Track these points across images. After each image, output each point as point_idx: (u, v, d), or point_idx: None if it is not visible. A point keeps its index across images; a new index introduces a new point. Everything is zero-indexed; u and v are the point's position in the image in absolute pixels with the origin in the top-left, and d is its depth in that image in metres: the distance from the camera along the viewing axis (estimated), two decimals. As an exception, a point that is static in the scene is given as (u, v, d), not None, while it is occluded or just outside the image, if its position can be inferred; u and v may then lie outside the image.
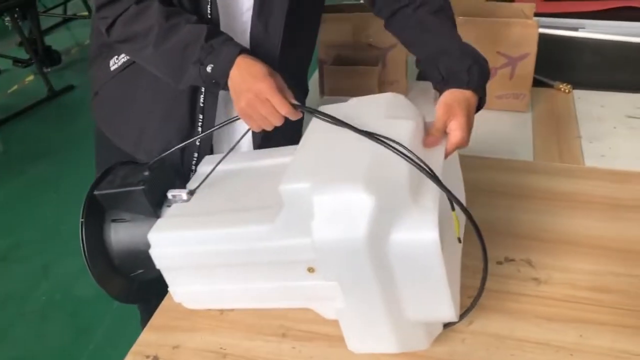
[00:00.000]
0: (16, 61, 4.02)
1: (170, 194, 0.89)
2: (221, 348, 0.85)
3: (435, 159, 0.78)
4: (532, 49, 1.29)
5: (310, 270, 0.76)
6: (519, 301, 0.88)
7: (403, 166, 0.71)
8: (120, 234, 0.90)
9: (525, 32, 1.28)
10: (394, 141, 0.72)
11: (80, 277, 2.19)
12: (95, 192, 0.91)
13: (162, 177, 0.91)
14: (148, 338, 0.88)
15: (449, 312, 0.72)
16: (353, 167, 0.71)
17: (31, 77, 3.97)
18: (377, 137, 0.73)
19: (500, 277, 0.92)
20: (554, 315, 0.85)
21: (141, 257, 0.86)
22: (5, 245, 2.42)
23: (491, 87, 1.37)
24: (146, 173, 0.89)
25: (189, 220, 0.85)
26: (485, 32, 1.30)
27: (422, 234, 0.66)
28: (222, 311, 0.91)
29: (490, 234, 1.00)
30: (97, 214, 0.91)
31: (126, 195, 0.88)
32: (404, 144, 0.73)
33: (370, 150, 0.73)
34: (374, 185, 0.68)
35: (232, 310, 0.91)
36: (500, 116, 1.36)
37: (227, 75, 0.91)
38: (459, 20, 1.31)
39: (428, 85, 1.49)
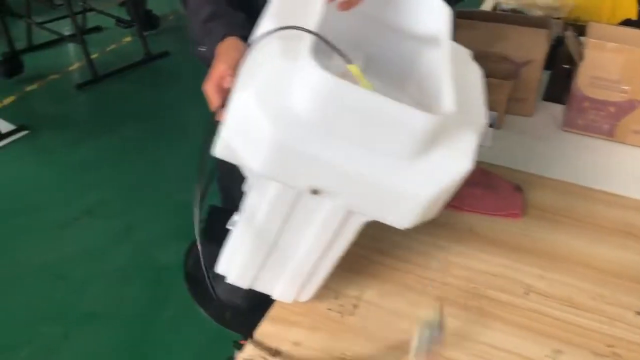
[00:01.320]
0: (119, 21, 4.12)
1: (228, 225, 0.89)
2: (342, 354, 0.83)
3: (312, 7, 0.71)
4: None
5: (314, 192, 0.68)
6: (660, 358, 0.83)
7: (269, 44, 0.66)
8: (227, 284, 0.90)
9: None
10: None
11: (161, 243, 2.23)
12: (187, 270, 0.98)
13: (220, 217, 0.91)
14: (268, 330, 0.87)
15: (418, 117, 0.60)
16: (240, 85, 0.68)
17: (129, 38, 4.06)
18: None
19: (640, 328, 0.87)
20: (700, 381, 0.79)
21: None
22: (92, 199, 2.48)
23: (628, 120, 1.31)
24: (201, 226, 0.90)
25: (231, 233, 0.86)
26: (632, 61, 1.22)
27: (308, 76, 0.59)
28: (342, 314, 0.90)
29: (624, 279, 0.96)
30: (201, 286, 0.94)
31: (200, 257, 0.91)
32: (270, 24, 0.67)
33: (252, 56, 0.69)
34: (243, 86, 0.64)
35: (352, 314, 0.89)
36: (634, 152, 1.28)
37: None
38: (609, 46, 1.25)
39: (555, 107, 1.45)
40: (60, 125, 3.05)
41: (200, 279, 1.00)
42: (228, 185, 1.21)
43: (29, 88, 3.37)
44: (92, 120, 3.17)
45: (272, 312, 0.90)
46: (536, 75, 1.35)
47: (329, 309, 0.90)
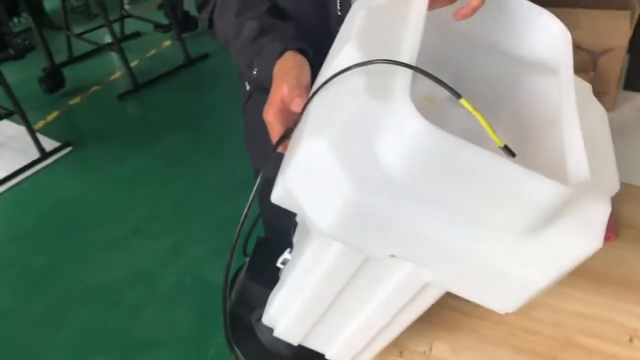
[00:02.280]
0: (157, 26, 4.06)
1: (279, 263, 0.80)
2: None
3: (411, 35, 0.57)
4: None
5: (392, 255, 0.56)
6: None
7: (349, 78, 0.52)
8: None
9: None
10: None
11: (210, 263, 2.14)
12: (229, 307, 0.86)
13: (268, 251, 0.83)
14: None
15: (547, 187, 0.46)
16: (299, 133, 0.56)
17: (169, 43, 3.99)
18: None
19: None
20: None
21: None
22: (140, 216, 2.41)
23: None
24: (247, 259, 0.83)
25: (284, 278, 0.75)
26: None
27: (404, 125, 0.46)
28: (409, 376, 0.77)
29: None
30: (243, 326, 0.86)
31: (245, 293, 0.82)
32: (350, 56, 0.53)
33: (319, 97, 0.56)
34: (316, 130, 0.51)
35: (422, 376, 0.76)
36: None
37: (270, 81, 0.71)
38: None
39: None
40: (104, 139, 3.00)
41: (242, 318, 0.89)
42: (271, 215, 1.09)
43: (71, 102, 3.34)
44: (135, 131, 3.10)
45: (328, 374, 0.78)
46: (617, 65, 1.17)
47: (389, 366, 0.78)
